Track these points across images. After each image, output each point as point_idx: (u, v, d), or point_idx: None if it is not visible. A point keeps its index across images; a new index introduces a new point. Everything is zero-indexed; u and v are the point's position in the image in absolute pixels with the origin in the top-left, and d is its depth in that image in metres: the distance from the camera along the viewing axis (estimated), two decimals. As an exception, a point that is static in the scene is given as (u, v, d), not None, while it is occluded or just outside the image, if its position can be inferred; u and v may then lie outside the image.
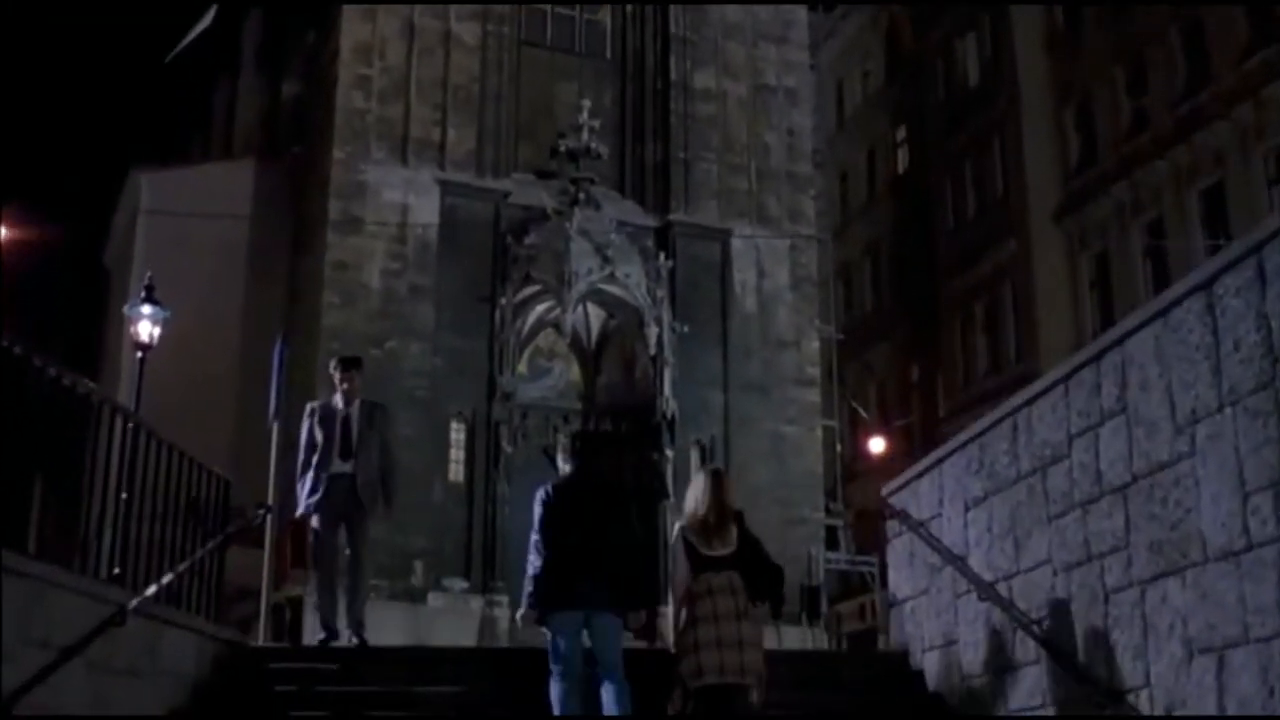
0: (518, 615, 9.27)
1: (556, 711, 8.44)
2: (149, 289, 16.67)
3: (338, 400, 11.54)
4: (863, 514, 39.72)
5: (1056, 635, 8.02)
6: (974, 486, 9.26)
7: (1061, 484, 8.03)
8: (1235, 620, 6.31)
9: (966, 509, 9.38)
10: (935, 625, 9.86)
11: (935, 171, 42.71)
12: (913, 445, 40.36)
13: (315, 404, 11.78)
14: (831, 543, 32.68)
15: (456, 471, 28.59)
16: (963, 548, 9.39)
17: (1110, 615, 7.47)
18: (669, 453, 29.48)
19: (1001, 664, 8.76)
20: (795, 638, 29.03)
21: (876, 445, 38.03)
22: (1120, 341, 7.47)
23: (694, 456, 30.19)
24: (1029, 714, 8.38)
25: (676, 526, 8.93)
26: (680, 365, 29.95)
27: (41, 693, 7.06)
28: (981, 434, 9.19)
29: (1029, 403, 8.52)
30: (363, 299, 28.42)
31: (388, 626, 26.57)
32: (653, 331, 29.54)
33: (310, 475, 11.27)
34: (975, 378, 39.83)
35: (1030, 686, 8.37)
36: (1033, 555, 8.40)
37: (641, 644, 9.84)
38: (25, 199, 35.53)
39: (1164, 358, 7.00)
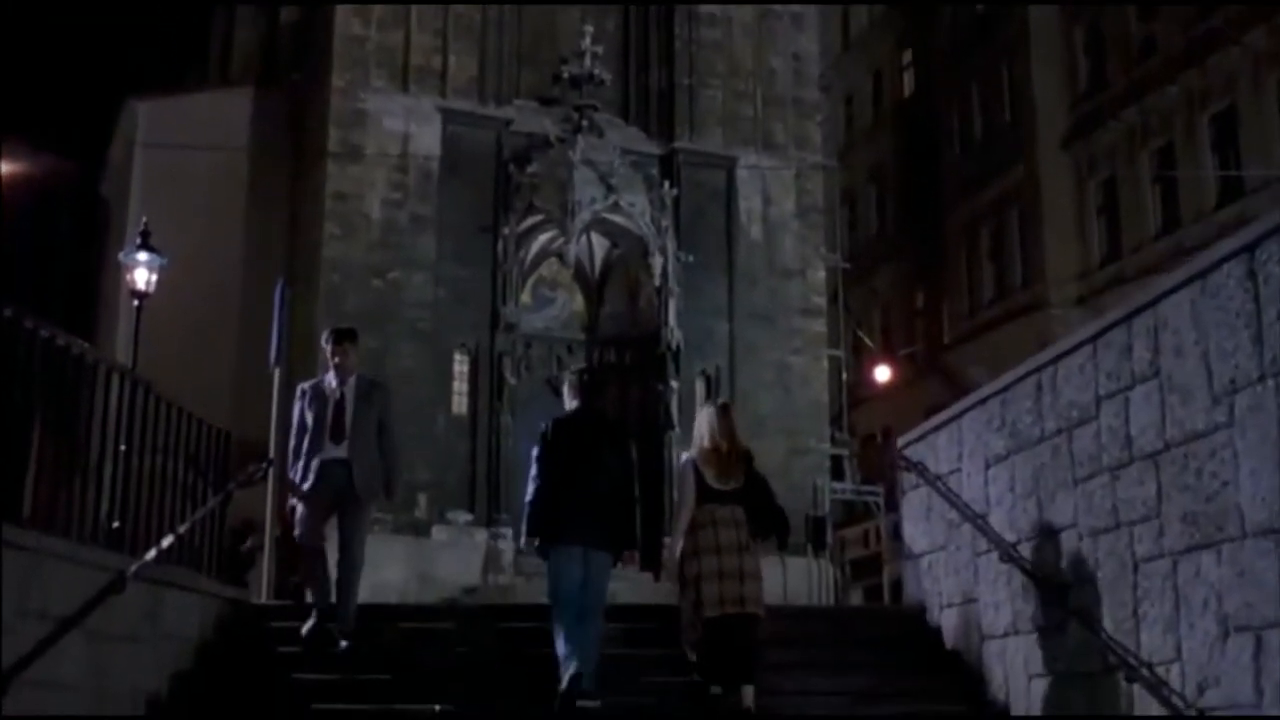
0: (522, 543, 9.73)
1: (559, 644, 8.58)
2: (144, 235, 16.13)
3: (330, 379, 10.28)
4: (866, 440, 39.67)
5: (1082, 601, 7.81)
6: (995, 443, 9.02)
7: (1089, 447, 7.79)
8: (1275, 600, 6.09)
9: (987, 466, 9.14)
10: (953, 582, 9.66)
11: (941, 96, 42.21)
12: (918, 372, 40.27)
13: (307, 384, 10.50)
14: (837, 472, 32.44)
15: (460, 404, 28.31)
16: (983, 505, 9.17)
17: (1140, 585, 7.25)
18: (674, 383, 29.17)
19: (1024, 626, 8.56)
20: (800, 570, 28.89)
21: (882, 374, 37.79)
22: (1154, 303, 7.18)
23: (699, 387, 29.94)
24: (1052, 679, 8.19)
25: (684, 456, 9.17)
26: (685, 295, 29.62)
27: (38, 663, 6.86)
28: (1004, 390, 8.94)
29: (1054, 361, 8.26)
30: (364, 230, 28.04)
31: (392, 560, 26.56)
32: (657, 261, 29.17)
33: (301, 463, 10.10)
34: (981, 305, 39.58)
35: (1055, 651, 8.17)
36: (1057, 518, 8.17)
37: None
38: (19, 130, 35.08)
39: (1201, 323, 6.72)
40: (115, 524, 8.74)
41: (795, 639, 9.69)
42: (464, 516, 27.73)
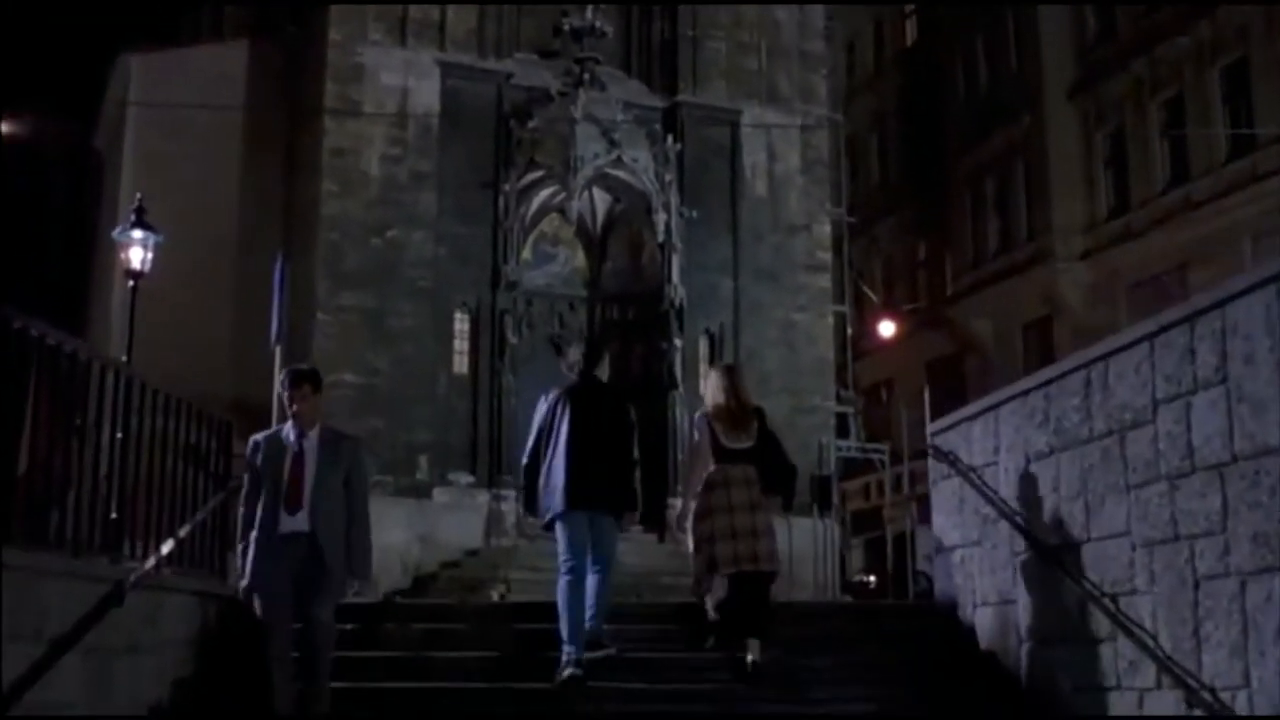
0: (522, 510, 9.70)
1: (561, 603, 8.92)
2: (139, 211, 15.45)
3: (288, 431, 8.48)
4: (869, 392, 39.27)
5: (1135, 614, 7.40)
6: (1037, 439, 8.59)
7: (1144, 452, 7.35)
8: (1361, 634, 5.68)
9: (1028, 461, 8.71)
10: (989, 581, 9.25)
11: (945, 43, 41.57)
12: (919, 324, 39.81)
13: (260, 436, 8.67)
14: (842, 429, 32.00)
15: (461, 363, 27.79)
16: (1022, 503, 8.74)
17: (1201, 604, 6.84)
18: (677, 342, 28.67)
19: (1068, 635, 8.16)
20: (806, 529, 28.48)
21: (886, 329, 37.35)
22: (1220, 305, 6.73)
23: (703, 345, 29.47)
24: (1101, 692, 7.79)
25: (698, 415, 9.47)
26: (688, 251, 29.07)
27: (38, 685, 6.49)
28: (1047, 383, 8.50)
29: (1105, 357, 7.81)
30: (362, 186, 27.44)
31: (393, 523, 26.19)
32: (661, 217, 28.60)
33: (253, 538, 8.33)
34: (985, 257, 39.12)
35: (1102, 665, 7.76)
36: (1107, 524, 7.75)
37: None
38: (11, 87, 34.43)
39: (1276, 331, 6.27)
40: (113, 515, 8.31)
41: (823, 639, 9.29)
42: (465, 478, 27.31)
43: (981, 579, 9.34)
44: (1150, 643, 7.19)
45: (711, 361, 28.73)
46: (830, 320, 31.05)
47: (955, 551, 9.85)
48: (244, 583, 8.37)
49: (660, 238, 28.70)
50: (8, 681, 6.30)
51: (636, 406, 10.07)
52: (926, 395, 30.85)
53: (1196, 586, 6.86)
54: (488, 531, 26.87)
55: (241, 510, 8.57)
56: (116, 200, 29.65)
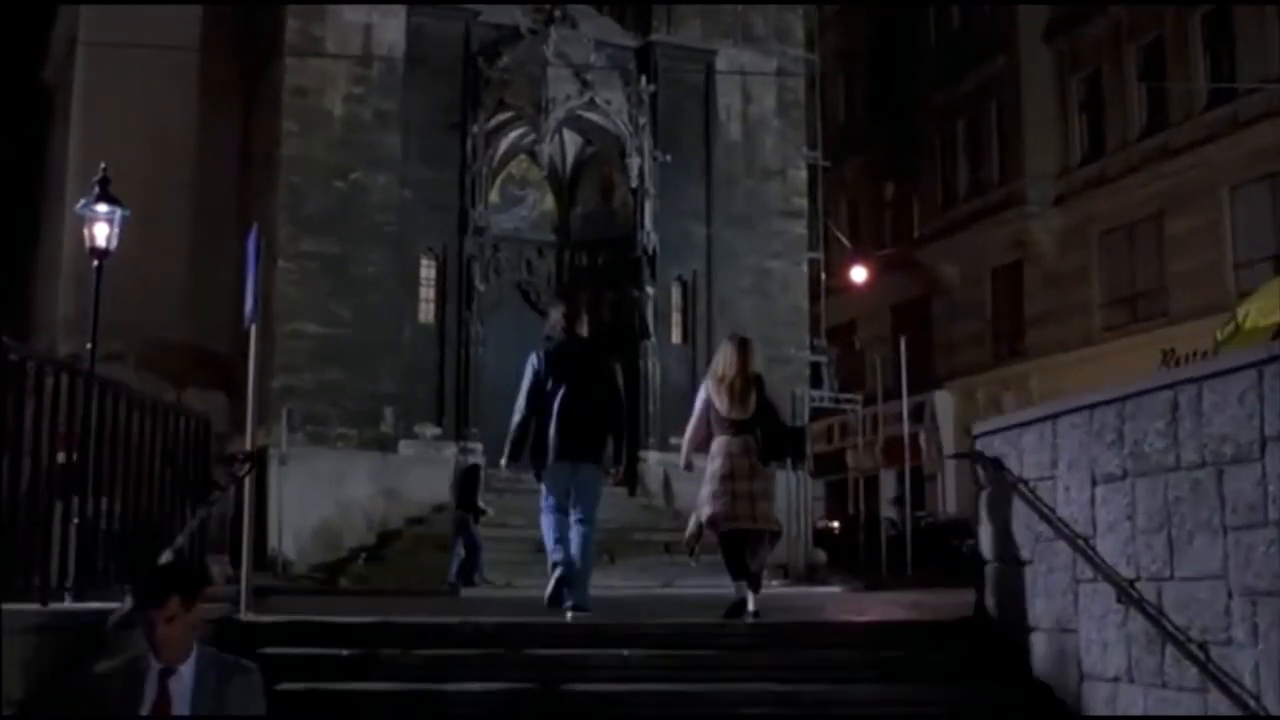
0: (502, 463, 10.62)
1: (547, 537, 10.00)
2: (103, 183, 14.32)
3: (149, 661, 5.43)
4: (830, 334, 38.50)
5: (1232, 668, 6.68)
6: (1107, 459, 7.82)
7: (1246, 492, 6.60)
8: None
9: (1094, 483, 7.95)
10: (1045, 605, 8.51)
11: (918, -22, 40.60)
12: (884, 265, 39.00)
13: (112, 663, 5.75)
14: (814, 380, 31.36)
15: (427, 311, 27.00)
16: (1086, 527, 8.01)
17: (1320, 670, 6.12)
18: (649, 290, 27.97)
19: (1144, 678, 7.42)
20: (779, 482, 27.81)
21: (859, 275, 36.61)
22: (1355, 338, 5.97)
23: (675, 293, 28.76)
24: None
25: (704, 381, 10.13)
26: (661, 197, 28.30)
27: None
28: (1122, 399, 7.71)
29: (1198, 380, 7.03)
30: (324, 127, 26.44)
31: (357, 477, 25.52)
32: (634, 161, 27.79)
33: None
34: (955, 200, 38.43)
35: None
36: (1196, 564, 7.01)
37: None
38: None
39: None
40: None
41: (854, 667, 8.57)
42: (432, 430, 26.57)
43: (1036, 601, 8.60)
44: (1252, 703, 6.49)
45: (684, 311, 28.21)
46: (805, 268, 30.37)
47: (1001, 567, 9.13)
48: None
49: (634, 183, 27.99)
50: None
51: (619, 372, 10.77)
52: (904, 347, 30.55)
53: (1314, 649, 6.15)
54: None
55: None
56: (67, 140, 28.57)
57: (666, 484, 26.71)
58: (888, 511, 36.99)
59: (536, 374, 10.05)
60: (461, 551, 21.80)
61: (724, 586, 10.48)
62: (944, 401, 37.26)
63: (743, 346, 10.01)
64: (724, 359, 9.94)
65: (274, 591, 16.57)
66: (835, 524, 38.17)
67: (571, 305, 10.71)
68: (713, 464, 9.70)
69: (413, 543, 25.08)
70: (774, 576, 26.40)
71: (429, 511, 25.81)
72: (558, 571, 10.05)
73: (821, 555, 29.66)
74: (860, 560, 31.50)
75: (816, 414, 35.86)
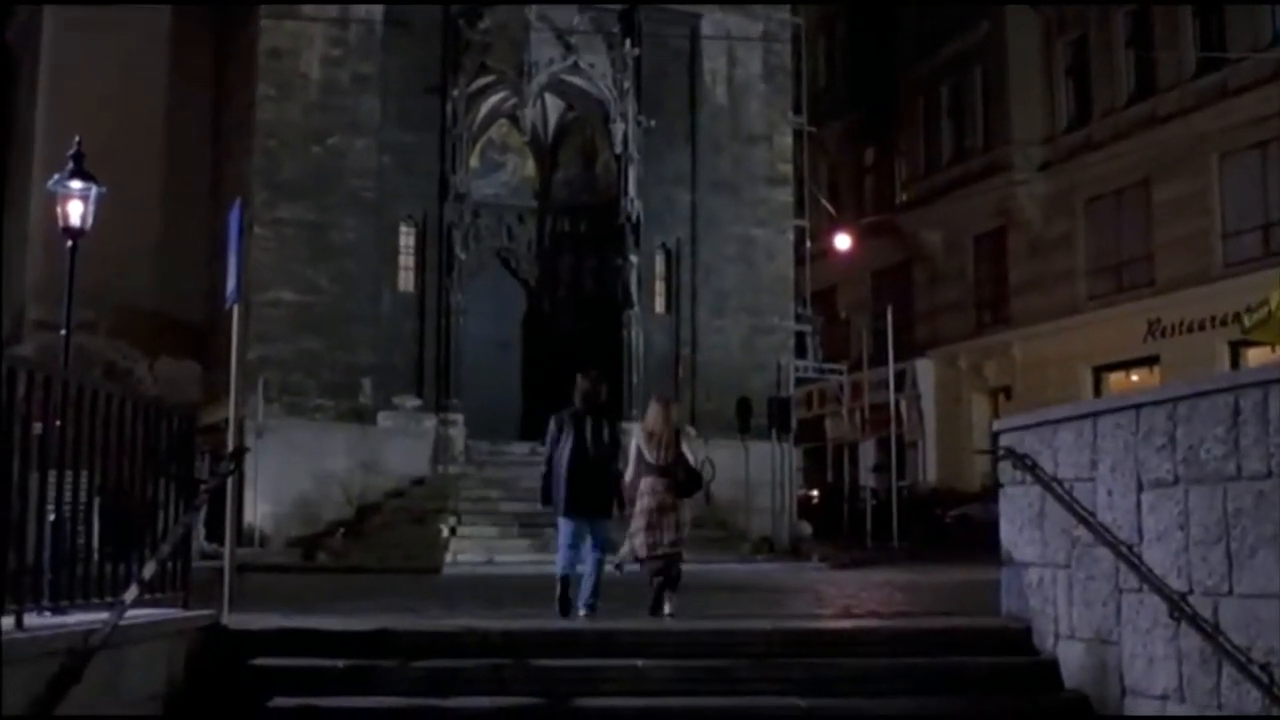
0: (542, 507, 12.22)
1: (559, 565, 11.39)
2: (78, 157, 13.54)
3: None
4: (814, 299, 38.04)
5: (1300, 694, 6.24)
6: (1156, 464, 7.35)
7: (1321, 506, 6.15)
8: None
9: (1140, 488, 7.49)
10: (1082, 614, 8.06)
11: (901, -60, 39.94)
12: (865, 231, 38.45)
13: None
14: (799, 349, 30.82)
15: (406, 280, 26.34)
16: (1131, 534, 7.55)
17: None
18: (633, 257, 27.37)
19: (1197, 697, 6.98)
20: (764, 453, 27.61)
21: (843, 243, 36.08)
22: None
23: (659, 261, 28.18)
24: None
25: (636, 434, 11.92)
26: (645, 163, 27.67)
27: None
28: (1174, 400, 7.24)
29: (1264, 384, 6.56)
30: (301, 90, 25.73)
31: (334, 450, 24.97)
32: (619, 127, 27.15)
33: None
34: (938, 166, 37.96)
35: (1247, 744, 6.61)
36: (1258, 580, 6.55)
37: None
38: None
39: None
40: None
41: (878, 679, 8.10)
42: (411, 401, 26.00)
43: (1071, 608, 8.14)
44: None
45: (668, 279, 27.76)
46: (790, 236, 29.84)
47: (1030, 569, 8.66)
48: None
49: (617, 148, 27.42)
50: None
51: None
52: (890, 316, 30.07)
53: (1400, 681, 5.70)
54: (435, 458, 25.74)
55: None
56: (34, 103, 27.86)
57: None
58: (867, 480, 36.66)
59: (562, 434, 11.60)
60: None
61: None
62: (925, 369, 36.91)
63: (667, 407, 11.87)
64: (653, 417, 11.74)
65: (251, 569, 16.07)
66: (815, 493, 37.81)
67: (596, 382, 12.05)
68: (642, 500, 11.45)
69: (391, 516, 24.58)
70: (759, 552, 26.13)
71: (408, 485, 25.31)
72: (564, 584, 11.34)
73: (806, 528, 29.26)
74: (843, 531, 31.16)
75: (800, 384, 35.49)
